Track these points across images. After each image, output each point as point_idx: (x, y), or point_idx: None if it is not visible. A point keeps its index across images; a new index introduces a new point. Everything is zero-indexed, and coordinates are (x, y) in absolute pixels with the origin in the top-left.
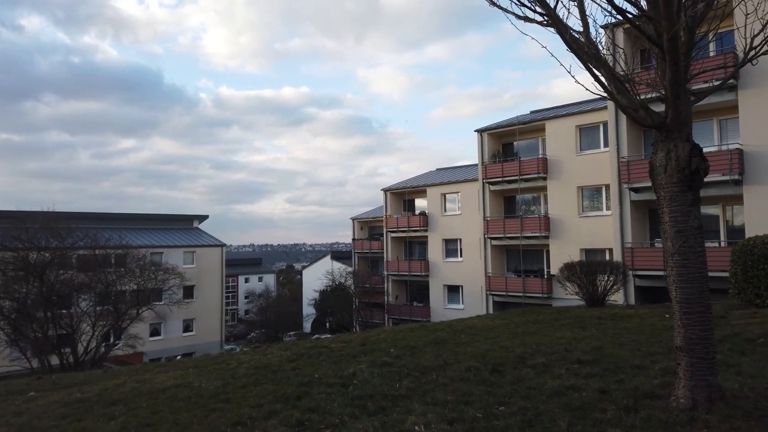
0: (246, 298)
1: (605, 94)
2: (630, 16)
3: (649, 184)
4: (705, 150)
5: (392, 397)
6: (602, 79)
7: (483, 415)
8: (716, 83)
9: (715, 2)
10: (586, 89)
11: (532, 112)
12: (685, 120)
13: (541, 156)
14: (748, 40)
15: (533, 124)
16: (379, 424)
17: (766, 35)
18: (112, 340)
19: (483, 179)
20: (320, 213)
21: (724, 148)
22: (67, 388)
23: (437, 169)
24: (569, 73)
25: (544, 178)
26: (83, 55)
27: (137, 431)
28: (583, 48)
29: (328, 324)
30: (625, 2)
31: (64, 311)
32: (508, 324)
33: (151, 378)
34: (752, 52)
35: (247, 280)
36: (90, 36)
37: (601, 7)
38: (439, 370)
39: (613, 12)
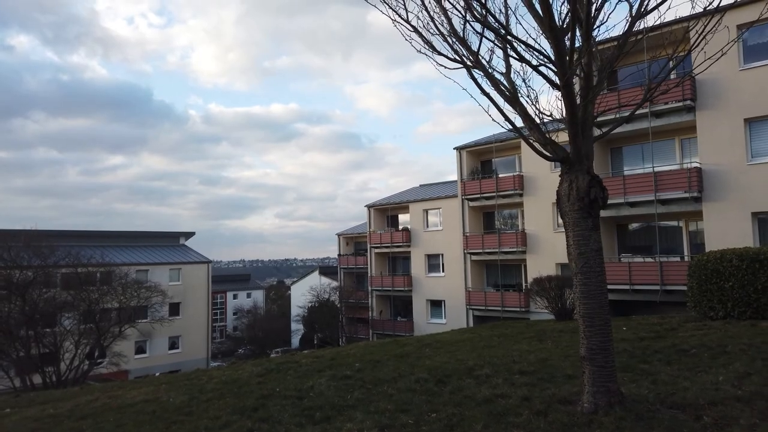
0: (234, 314)
1: (512, 130)
2: (533, 64)
3: (615, 201)
4: (666, 168)
5: (340, 407)
6: (507, 115)
7: (414, 421)
8: (625, 114)
9: (618, 48)
10: (501, 126)
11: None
12: (585, 154)
13: (517, 173)
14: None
15: (510, 142)
16: (319, 431)
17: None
18: (96, 358)
19: (462, 195)
20: (310, 228)
21: (685, 166)
22: (42, 404)
23: (420, 185)
24: (486, 111)
25: (521, 195)
26: (72, 74)
27: None
28: (500, 88)
29: (315, 340)
30: (528, 50)
31: (47, 330)
32: (474, 338)
33: (123, 394)
34: (650, 94)
35: (235, 296)
36: (79, 55)
37: (509, 54)
38: (391, 382)
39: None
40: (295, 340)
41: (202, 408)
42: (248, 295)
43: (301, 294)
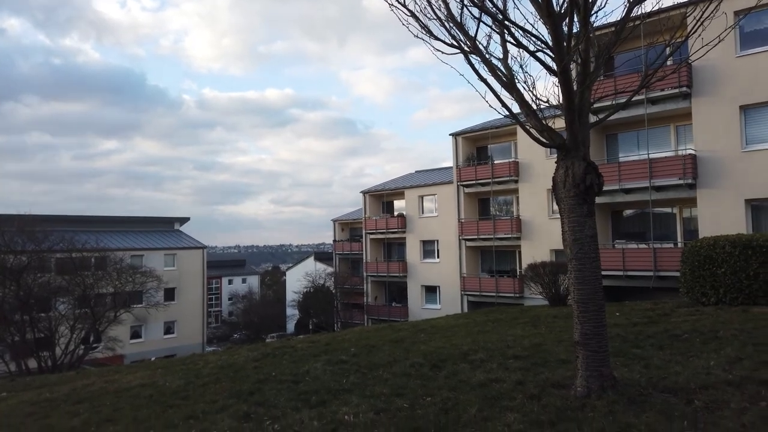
0: (229, 299)
1: (509, 116)
2: (531, 49)
3: (610, 188)
4: (662, 155)
5: (336, 391)
6: (505, 101)
7: (409, 405)
8: (622, 101)
9: (615, 35)
10: (498, 112)
11: (505, 116)
12: (582, 141)
13: (512, 159)
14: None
15: (505, 128)
16: (315, 415)
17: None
18: (91, 342)
19: (458, 182)
20: (306, 214)
21: (680, 153)
22: (38, 388)
23: (416, 172)
24: (483, 97)
25: (516, 181)
26: (64, 57)
27: (98, 426)
28: (497, 74)
29: (311, 325)
30: (526, 36)
31: (42, 315)
32: (468, 323)
33: (119, 378)
34: (647, 80)
35: (230, 282)
36: (71, 38)
37: (507, 40)
38: (386, 367)
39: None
40: (290, 326)
41: (198, 392)
42: (243, 281)
43: (297, 280)
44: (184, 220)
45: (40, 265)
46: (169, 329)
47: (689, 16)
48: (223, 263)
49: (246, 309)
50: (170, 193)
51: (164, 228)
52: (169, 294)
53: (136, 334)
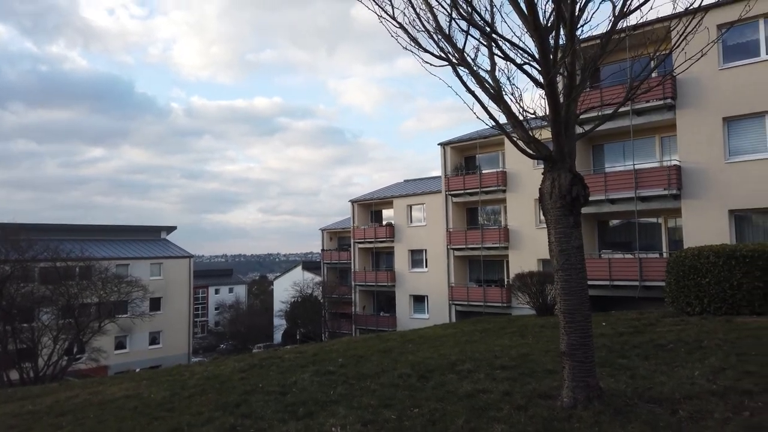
0: (216, 309)
1: (496, 128)
2: (518, 62)
3: (596, 198)
4: (647, 166)
5: (323, 402)
6: (493, 113)
7: (396, 417)
8: (607, 112)
9: (600, 50)
10: (486, 123)
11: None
12: (568, 152)
13: (500, 169)
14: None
15: (493, 138)
16: (302, 427)
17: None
18: (75, 353)
19: (446, 191)
20: (294, 222)
21: (665, 164)
22: (21, 400)
23: (404, 181)
24: (470, 109)
25: (504, 191)
26: (51, 64)
27: None
28: (485, 86)
29: (298, 335)
30: (513, 49)
31: (24, 325)
32: (456, 333)
33: (103, 390)
34: (633, 92)
35: (217, 291)
36: (59, 45)
37: (494, 53)
38: (374, 378)
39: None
40: (278, 336)
41: (184, 404)
42: (230, 290)
43: (284, 289)
44: (171, 229)
45: (23, 275)
46: (154, 340)
47: (673, 30)
48: (210, 272)
49: (233, 319)
50: (157, 202)
51: (151, 237)
52: (155, 304)
53: (120, 345)
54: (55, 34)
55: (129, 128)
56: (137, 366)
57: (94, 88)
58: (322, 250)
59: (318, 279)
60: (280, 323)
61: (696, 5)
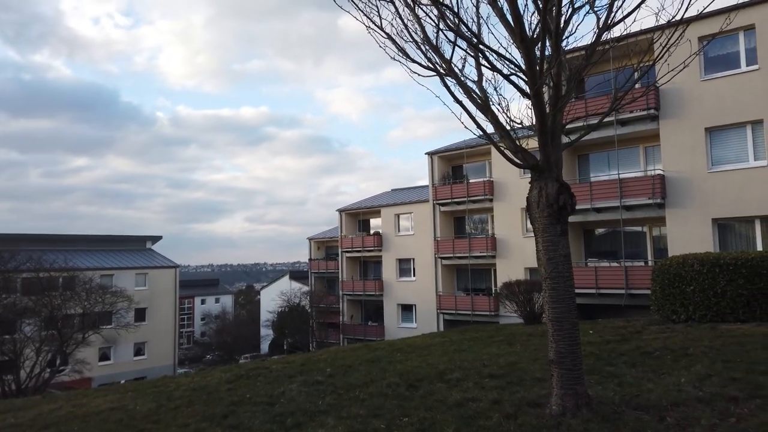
0: (202, 319)
1: (483, 137)
2: (505, 73)
3: (582, 207)
4: (631, 175)
5: (312, 413)
6: (481, 123)
7: (386, 426)
8: (593, 122)
9: (586, 60)
10: (473, 133)
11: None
12: (555, 162)
13: (487, 179)
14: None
15: (480, 148)
16: None
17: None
18: (58, 365)
19: (433, 200)
20: (281, 232)
21: (649, 173)
22: (2, 413)
23: (392, 190)
24: (458, 118)
25: (491, 200)
26: (35, 73)
27: None
28: (472, 96)
29: (285, 345)
30: (500, 60)
31: (6, 336)
32: (444, 342)
33: (87, 402)
34: (617, 102)
35: (203, 302)
36: (42, 54)
37: (481, 63)
38: (363, 387)
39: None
40: (265, 346)
41: (170, 416)
42: (216, 300)
43: (271, 299)
44: (156, 239)
45: (5, 286)
46: (139, 351)
47: (656, 42)
48: (196, 282)
49: (219, 329)
50: (142, 211)
51: (135, 247)
52: (140, 314)
53: (104, 356)
54: (39, 44)
55: (113, 137)
56: (122, 378)
57: (79, 97)
58: (310, 259)
59: (305, 288)
60: (267, 333)
61: (678, 18)
